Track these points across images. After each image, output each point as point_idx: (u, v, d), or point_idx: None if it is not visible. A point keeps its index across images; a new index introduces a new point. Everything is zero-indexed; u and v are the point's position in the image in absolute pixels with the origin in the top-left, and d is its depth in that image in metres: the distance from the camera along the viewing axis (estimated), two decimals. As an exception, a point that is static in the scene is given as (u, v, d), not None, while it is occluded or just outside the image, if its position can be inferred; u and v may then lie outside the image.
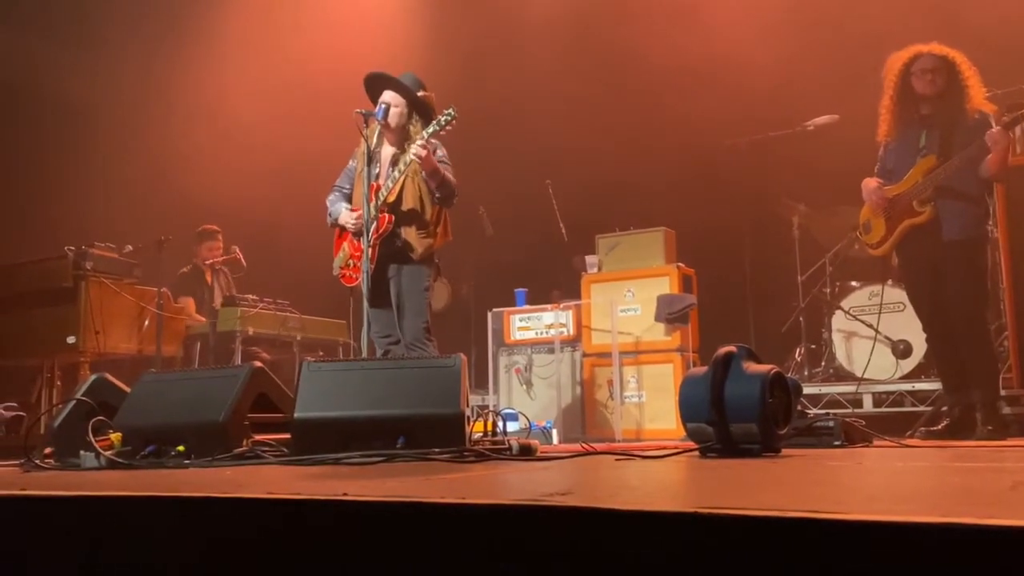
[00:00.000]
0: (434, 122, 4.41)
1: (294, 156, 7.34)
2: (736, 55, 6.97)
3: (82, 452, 2.88)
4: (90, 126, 7.53)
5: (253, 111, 7.66)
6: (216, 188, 7.30)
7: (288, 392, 3.28)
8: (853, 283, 6.16)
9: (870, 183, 4.64)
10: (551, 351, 6.39)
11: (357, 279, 4.58)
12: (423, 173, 4.51)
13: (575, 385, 6.36)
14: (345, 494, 1.37)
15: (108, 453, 2.87)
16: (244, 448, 2.94)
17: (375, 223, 4.48)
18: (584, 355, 6.35)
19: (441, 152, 4.61)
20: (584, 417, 6.25)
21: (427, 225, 4.58)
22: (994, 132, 4.18)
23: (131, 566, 1.45)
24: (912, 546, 0.94)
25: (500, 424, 3.37)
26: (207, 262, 6.98)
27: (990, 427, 4.19)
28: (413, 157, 4.41)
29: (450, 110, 4.37)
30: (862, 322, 5.87)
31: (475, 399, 6.60)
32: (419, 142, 4.39)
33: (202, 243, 7.04)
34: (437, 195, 4.57)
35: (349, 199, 4.79)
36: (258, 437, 3.04)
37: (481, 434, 3.30)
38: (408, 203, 4.56)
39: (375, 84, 4.67)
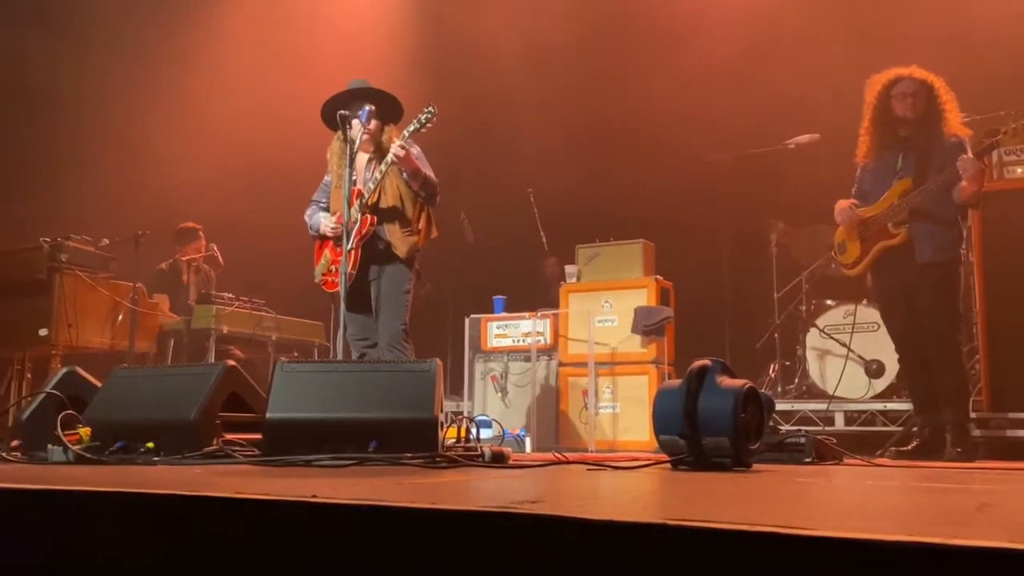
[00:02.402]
0: (414, 120, 4.35)
1: (272, 155, 7.30)
2: (720, 72, 7.02)
3: (50, 446, 2.85)
4: (70, 118, 7.47)
5: (232, 109, 7.63)
6: (194, 185, 7.27)
7: (261, 392, 3.26)
8: (829, 302, 6.20)
9: (842, 204, 4.69)
10: (527, 359, 6.39)
11: (339, 284, 4.54)
12: (404, 174, 4.49)
13: (550, 394, 6.35)
14: (314, 496, 1.37)
15: (76, 448, 2.84)
16: (214, 447, 2.91)
17: (357, 225, 4.45)
18: (560, 364, 6.35)
19: (416, 150, 4.54)
20: (558, 426, 6.24)
21: (410, 223, 4.55)
22: (965, 159, 4.21)
23: (96, 562, 1.43)
24: (878, 563, 0.94)
25: (473, 431, 3.37)
26: (184, 259, 6.94)
27: (959, 449, 4.23)
28: (392, 158, 4.37)
29: (430, 108, 4.32)
30: (836, 340, 5.90)
31: (450, 405, 6.58)
32: (398, 142, 4.35)
33: (181, 242, 7.01)
34: (421, 195, 4.54)
35: (327, 212, 4.75)
36: (229, 436, 3.02)
37: (454, 440, 3.29)
38: (388, 201, 4.53)
39: (351, 97, 4.53)
